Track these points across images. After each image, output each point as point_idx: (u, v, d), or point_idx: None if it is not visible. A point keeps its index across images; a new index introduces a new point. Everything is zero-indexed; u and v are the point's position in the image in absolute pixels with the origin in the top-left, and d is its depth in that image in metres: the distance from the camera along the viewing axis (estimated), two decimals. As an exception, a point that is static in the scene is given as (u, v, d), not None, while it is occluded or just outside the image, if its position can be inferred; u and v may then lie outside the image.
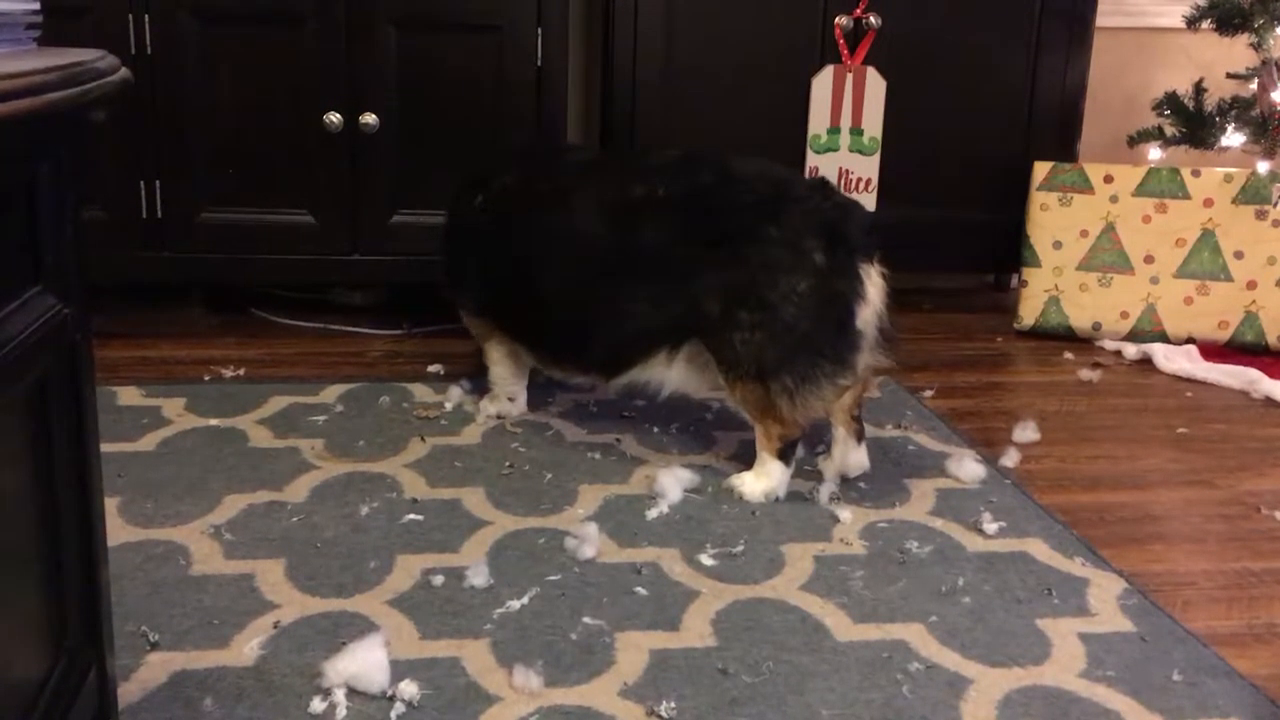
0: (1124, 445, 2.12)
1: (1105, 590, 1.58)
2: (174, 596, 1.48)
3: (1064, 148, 2.85)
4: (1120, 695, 1.34)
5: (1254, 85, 2.79)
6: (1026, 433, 2.12)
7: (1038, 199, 2.74)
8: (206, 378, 2.28)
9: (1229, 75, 2.92)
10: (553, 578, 1.56)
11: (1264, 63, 2.74)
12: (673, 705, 1.28)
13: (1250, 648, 1.46)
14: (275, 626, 1.42)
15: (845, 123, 2.74)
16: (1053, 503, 1.85)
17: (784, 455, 1.83)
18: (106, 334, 2.46)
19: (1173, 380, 2.51)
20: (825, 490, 1.83)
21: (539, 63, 2.44)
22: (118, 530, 1.63)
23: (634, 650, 1.39)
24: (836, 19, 2.68)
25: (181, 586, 1.50)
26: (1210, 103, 2.80)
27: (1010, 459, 2.00)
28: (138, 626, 1.40)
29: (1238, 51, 2.86)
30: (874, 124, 2.74)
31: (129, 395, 2.15)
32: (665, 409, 2.18)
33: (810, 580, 1.58)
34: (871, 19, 2.68)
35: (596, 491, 1.82)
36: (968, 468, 1.92)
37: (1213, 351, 2.63)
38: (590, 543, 1.63)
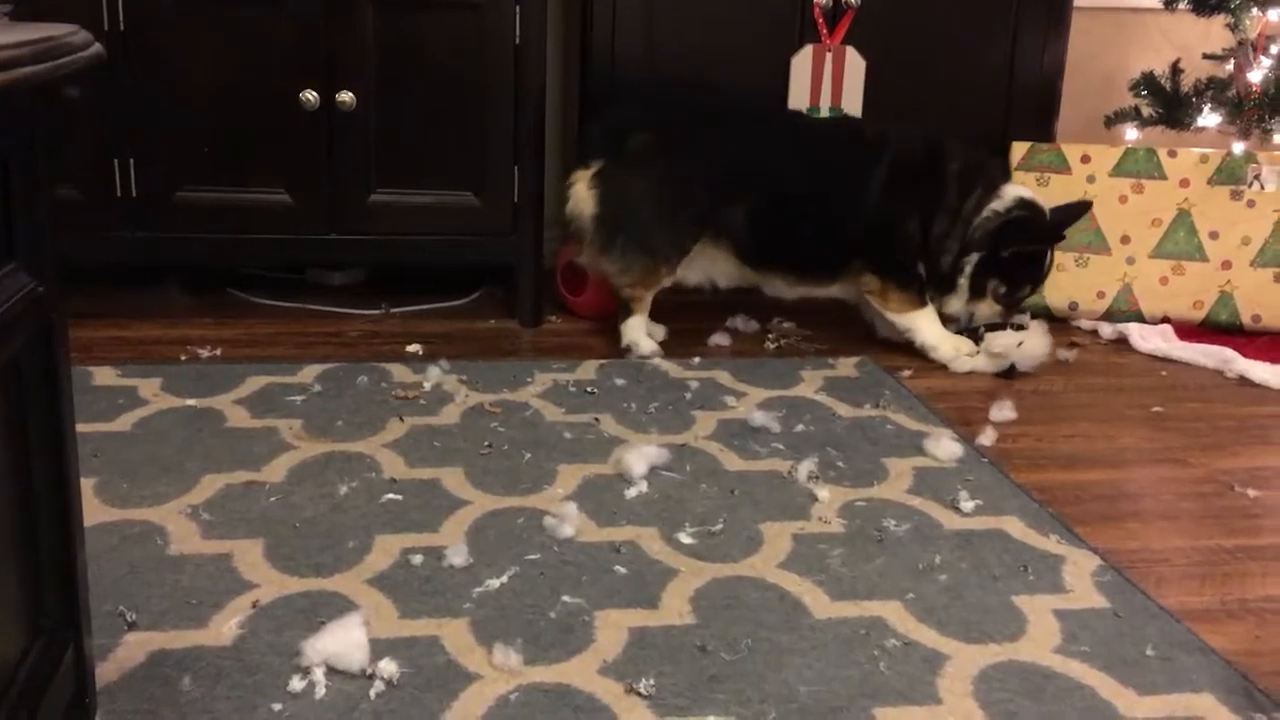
0: (1099, 424, 2.14)
1: (1080, 567, 1.59)
2: (152, 576, 1.47)
3: (1042, 128, 2.85)
4: (1094, 670, 1.36)
5: (1230, 66, 2.81)
6: (1003, 412, 2.13)
7: (1015, 179, 2.74)
8: (183, 358, 2.26)
9: (1205, 56, 2.93)
10: (532, 557, 1.56)
11: (1240, 43, 2.76)
12: (652, 683, 1.29)
13: (1222, 623, 1.48)
14: (254, 606, 1.41)
15: (825, 102, 2.73)
16: (1029, 481, 1.86)
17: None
18: (81, 313, 2.44)
19: (1148, 360, 2.53)
20: (804, 469, 1.84)
21: (517, 41, 2.43)
22: (94, 511, 1.62)
23: (613, 628, 1.40)
24: (816, -2, 2.68)
25: (159, 567, 1.50)
26: (1187, 83, 2.81)
27: (987, 438, 2.02)
28: (115, 606, 1.39)
29: (1214, 32, 2.88)
30: (854, 103, 2.74)
31: (104, 375, 2.13)
32: (645, 388, 2.18)
33: (788, 558, 1.58)
34: (851, -2, 2.68)
35: (575, 471, 1.82)
36: (945, 446, 1.94)
37: (1188, 331, 2.65)
38: (569, 522, 1.63)
